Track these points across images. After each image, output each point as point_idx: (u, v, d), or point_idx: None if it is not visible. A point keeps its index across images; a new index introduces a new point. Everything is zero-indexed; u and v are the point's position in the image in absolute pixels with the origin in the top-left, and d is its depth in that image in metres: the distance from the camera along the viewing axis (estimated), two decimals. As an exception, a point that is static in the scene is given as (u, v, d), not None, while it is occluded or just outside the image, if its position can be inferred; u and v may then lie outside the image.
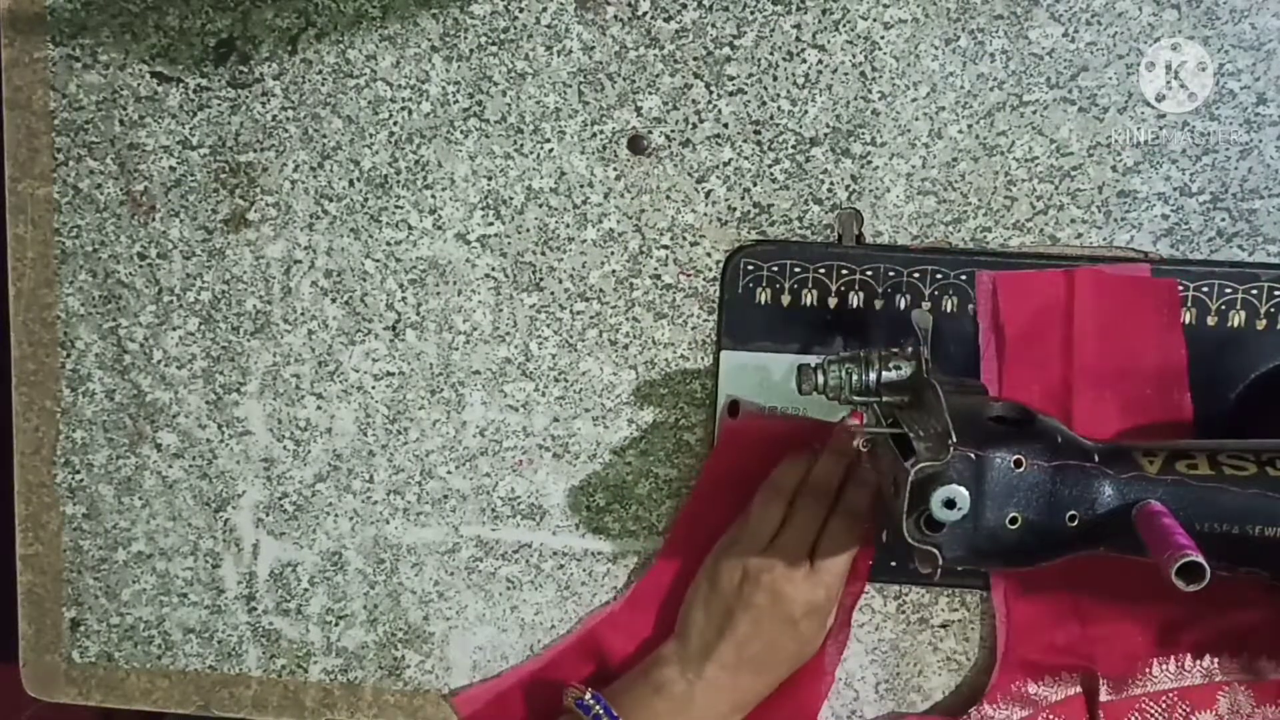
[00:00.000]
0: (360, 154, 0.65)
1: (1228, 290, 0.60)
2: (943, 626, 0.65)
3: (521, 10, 0.63)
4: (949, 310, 0.62)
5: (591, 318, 0.65)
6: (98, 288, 0.68)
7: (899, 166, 0.62)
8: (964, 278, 0.61)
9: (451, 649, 0.69)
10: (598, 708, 0.59)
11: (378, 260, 0.66)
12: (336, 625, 0.69)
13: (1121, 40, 0.59)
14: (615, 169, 0.64)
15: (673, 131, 0.63)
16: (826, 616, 0.60)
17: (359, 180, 0.65)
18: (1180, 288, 0.60)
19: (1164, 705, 0.60)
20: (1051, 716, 0.62)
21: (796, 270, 0.62)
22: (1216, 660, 0.60)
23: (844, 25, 0.61)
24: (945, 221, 0.62)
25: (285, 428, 0.68)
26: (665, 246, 0.64)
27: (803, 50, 0.61)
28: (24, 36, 0.66)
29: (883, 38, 0.61)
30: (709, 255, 0.64)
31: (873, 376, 0.54)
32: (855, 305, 0.62)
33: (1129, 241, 0.61)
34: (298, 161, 0.66)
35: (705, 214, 0.63)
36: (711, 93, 0.62)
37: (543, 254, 0.65)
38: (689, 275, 0.64)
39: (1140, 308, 0.60)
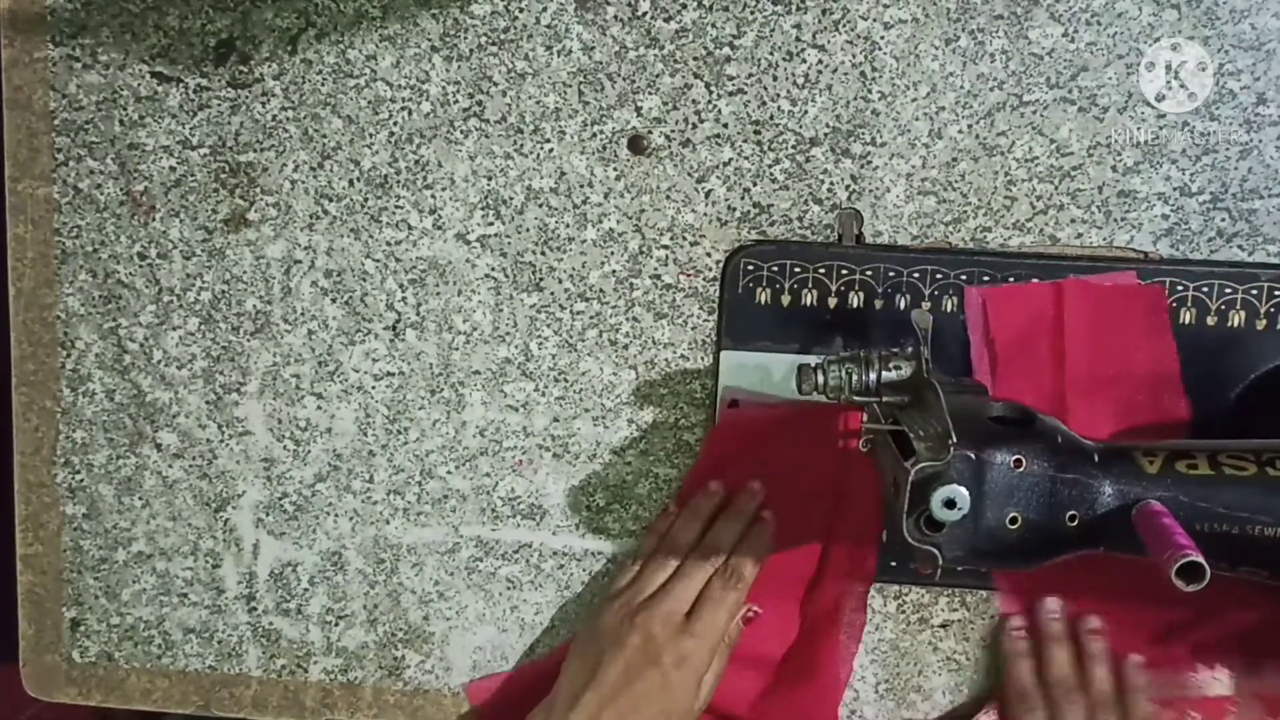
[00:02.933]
0: (360, 154, 0.65)
1: (1228, 290, 0.60)
2: (943, 626, 0.65)
3: (521, 10, 0.63)
4: (949, 310, 0.62)
5: (591, 318, 0.65)
6: (98, 288, 0.68)
7: (899, 166, 0.62)
8: (964, 278, 0.61)
9: (451, 649, 0.69)
10: None
11: (378, 260, 0.66)
12: (336, 625, 0.69)
13: (1121, 40, 0.59)
14: (615, 169, 0.64)
15: (673, 131, 0.63)
16: (697, 676, 0.58)
17: (359, 180, 0.65)
18: (1180, 288, 0.60)
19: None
20: None
21: (796, 270, 0.62)
22: (1224, 670, 0.60)
23: (844, 25, 0.61)
24: (945, 221, 0.62)
25: (285, 428, 0.68)
26: (665, 246, 0.64)
27: (803, 50, 0.61)
28: (24, 36, 0.66)
29: (883, 38, 0.61)
30: (709, 255, 0.64)
31: (873, 376, 0.54)
32: (855, 305, 0.62)
33: (1129, 241, 0.61)
34: (298, 161, 0.66)
35: (705, 214, 0.63)
36: (711, 93, 0.62)
37: (543, 254, 0.65)
38: (689, 275, 0.64)
39: (1129, 314, 0.60)
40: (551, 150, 0.64)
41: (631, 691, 0.56)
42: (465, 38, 0.63)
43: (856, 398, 0.54)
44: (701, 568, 0.60)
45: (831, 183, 0.62)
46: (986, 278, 0.61)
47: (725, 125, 0.62)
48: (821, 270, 0.62)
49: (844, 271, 0.62)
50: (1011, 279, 0.61)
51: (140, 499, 0.70)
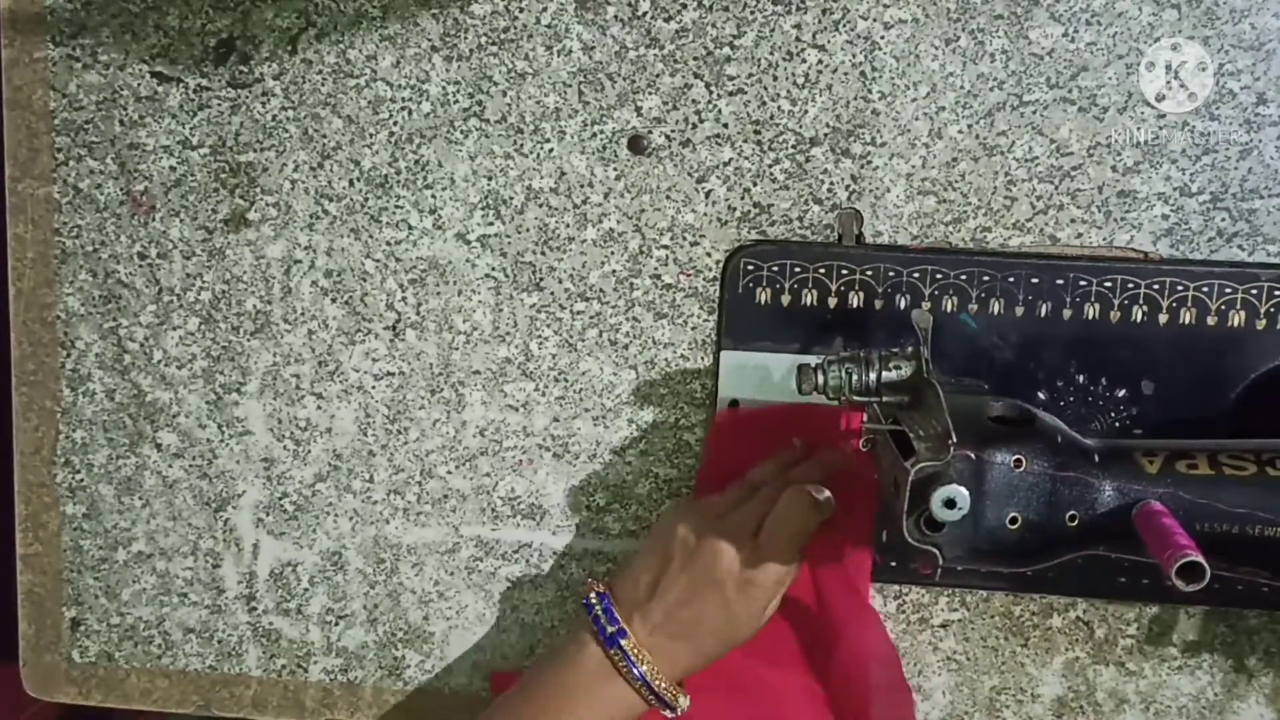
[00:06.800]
0: (360, 154, 0.65)
1: (1228, 290, 0.60)
2: (943, 626, 0.65)
3: (521, 10, 0.63)
4: (949, 310, 0.62)
5: (591, 318, 0.65)
6: (98, 288, 0.68)
7: (899, 166, 0.62)
8: (964, 278, 0.61)
9: (451, 649, 0.69)
10: (599, 608, 0.58)
11: (378, 260, 0.66)
12: (336, 625, 0.69)
13: (1121, 40, 0.59)
14: (615, 169, 0.64)
15: (673, 131, 0.63)
16: (762, 599, 0.57)
17: (359, 180, 0.65)
18: (1180, 288, 0.60)
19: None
20: None
21: (796, 270, 0.62)
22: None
23: (844, 25, 0.61)
24: (945, 221, 0.62)
25: (285, 428, 0.68)
26: (665, 246, 0.64)
27: (803, 50, 0.61)
28: (24, 36, 0.66)
29: (883, 38, 0.61)
30: (709, 255, 0.64)
31: (873, 376, 0.54)
32: (855, 305, 0.62)
33: (1129, 241, 0.61)
34: (298, 161, 0.66)
35: (705, 214, 0.63)
36: (711, 93, 0.62)
37: (543, 254, 0.65)
38: (689, 275, 0.64)
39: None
40: (551, 150, 0.64)
41: (694, 610, 0.57)
42: (465, 38, 0.63)
43: (856, 398, 0.54)
44: (779, 491, 0.58)
45: (831, 183, 0.62)
46: (986, 278, 0.61)
47: (725, 125, 0.62)
48: (821, 270, 0.62)
49: (844, 271, 0.62)
50: (1011, 279, 0.61)
51: (140, 499, 0.70)
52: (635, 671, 0.56)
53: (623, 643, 0.56)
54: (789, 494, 0.57)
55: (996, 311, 0.61)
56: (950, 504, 0.46)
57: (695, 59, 0.62)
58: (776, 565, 0.57)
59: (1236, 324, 0.60)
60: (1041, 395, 0.62)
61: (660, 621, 0.57)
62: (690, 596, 0.57)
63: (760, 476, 0.61)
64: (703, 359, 0.65)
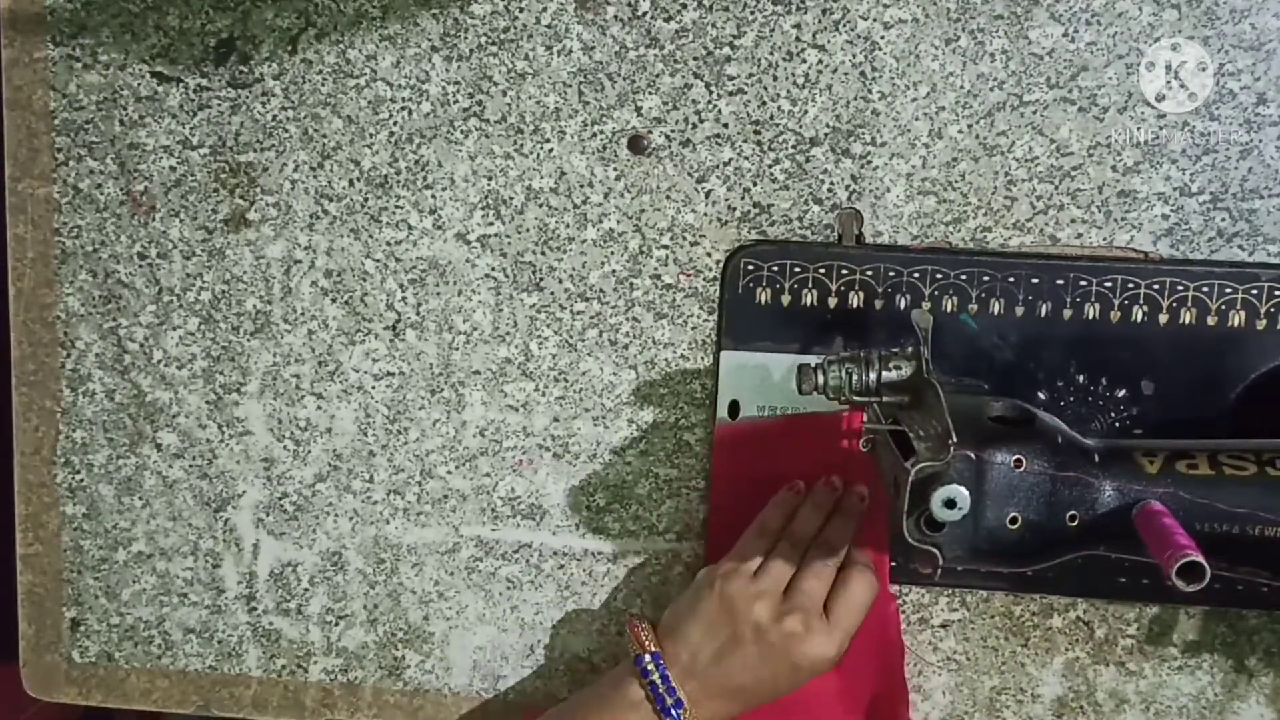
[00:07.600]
0: (360, 154, 0.65)
1: (1228, 290, 0.60)
2: (943, 626, 0.65)
3: (521, 10, 0.63)
4: (949, 310, 0.62)
5: (591, 318, 0.65)
6: (98, 288, 0.68)
7: (899, 166, 0.62)
8: (964, 278, 0.61)
9: (451, 649, 0.69)
10: (656, 675, 0.58)
11: (378, 260, 0.66)
12: (336, 625, 0.69)
13: (1121, 40, 0.59)
14: (615, 169, 0.64)
15: (673, 131, 0.63)
16: (828, 669, 0.59)
17: (359, 180, 0.65)
18: (1180, 288, 0.60)
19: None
20: None
21: (796, 270, 0.62)
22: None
23: (844, 25, 0.61)
24: (945, 221, 0.62)
25: (285, 428, 0.68)
26: (665, 246, 0.64)
27: (803, 50, 0.61)
28: (24, 36, 0.66)
29: (883, 38, 0.61)
30: (709, 255, 0.64)
31: (873, 376, 0.54)
32: (855, 305, 0.62)
33: (1129, 241, 0.61)
34: (298, 161, 0.66)
35: (705, 214, 0.63)
36: (711, 93, 0.62)
37: (543, 254, 0.65)
38: (689, 275, 0.64)
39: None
40: (551, 150, 0.64)
41: (757, 678, 0.58)
42: (465, 38, 0.63)
43: (856, 398, 0.54)
44: (831, 562, 0.59)
45: (831, 183, 0.62)
46: (986, 278, 0.61)
47: (725, 125, 0.62)
48: (821, 270, 0.62)
49: (844, 271, 0.62)
50: (1011, 279, 0.61)
51: (140, 499, 0.70)
52: None
53: (680, 713, 0.57)
54: (858, 578, 0.58)
55: (996, 311, 0.61)
56: (950, 504, 0.46)
57: (695, 59, 0.62)
58: (847, 641, 0.58)
59: (1236, 324, 0.60)
60: (1041, 395, 0.62)
61: (716, 687, 0.58)
62: (755, 668, 0.58)
63: (777, 522, 0.61)
64: (703, 359, 0.65)
